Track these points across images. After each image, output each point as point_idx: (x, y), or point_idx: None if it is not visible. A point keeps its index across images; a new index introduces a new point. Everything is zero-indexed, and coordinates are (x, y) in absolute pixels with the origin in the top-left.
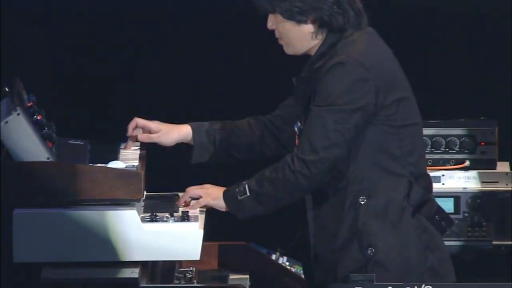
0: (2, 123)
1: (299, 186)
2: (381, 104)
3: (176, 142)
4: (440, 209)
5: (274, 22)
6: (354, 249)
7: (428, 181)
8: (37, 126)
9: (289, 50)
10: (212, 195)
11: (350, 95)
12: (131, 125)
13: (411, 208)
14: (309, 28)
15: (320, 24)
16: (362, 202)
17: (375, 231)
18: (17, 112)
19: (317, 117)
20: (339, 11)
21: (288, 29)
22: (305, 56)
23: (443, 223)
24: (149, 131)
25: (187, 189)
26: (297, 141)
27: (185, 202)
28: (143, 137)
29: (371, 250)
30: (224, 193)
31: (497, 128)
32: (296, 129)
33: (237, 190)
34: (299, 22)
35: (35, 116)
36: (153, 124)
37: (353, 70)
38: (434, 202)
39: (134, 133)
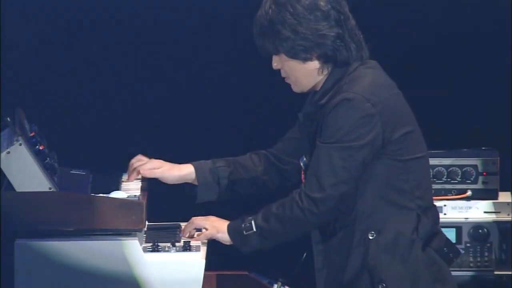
0: (4, 153)
1: (307, 223)
2: (388, 139)
3: (178, 181)
4: (448, 241)
5: (279, 62)
6: (364, 284)
7: (436, 213)
8: (39, 156)
9: (297, 88)
10: (218, 228)
11: (356, 132)
12: (134, 161)
13: (420, 241)
14: (314, 64)
15: (325, 59)
16: (371, 237)
17: (385, 265)
18: (19, 142)
19: (324, 154)
20: (342, 45)
21: (294, 68)
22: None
23: (451, 254)
24: (151, 168)
25: (192, 219)
26: (303, 176)
27: (189, 233)
28: (146, 171)
29: (382, 285)
30: (229, 227)
31: (498, 158)
32: (302, 164)
33: (243, 225)
34: (304, 59)
35: (37, 146)
36: (156, 163)
37: (359, 106)
38: (442, 234)
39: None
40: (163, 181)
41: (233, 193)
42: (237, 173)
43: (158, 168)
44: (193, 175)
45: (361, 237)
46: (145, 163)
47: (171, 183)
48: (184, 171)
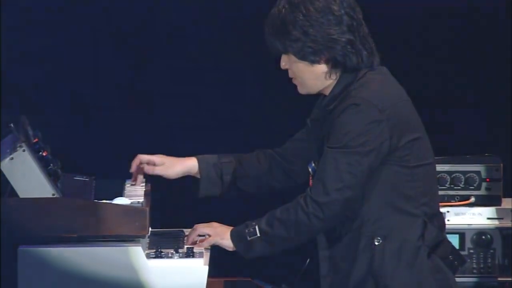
0: (7, 159)
1: (312, 227)
2: (394, 145)
3: (181, 174)
4: (453, 249)
5: (287, 62)
6: None
7: (442, 221)
8: (43, 162)
9: (303, 90)
10: (220, 234)
11: (363, 137)
12: (135, 162)
13: (426, 248)
14: (322, 68)
15: (334, 64)
16: (377, 243)
17: (390, 272)
18: (22, 148)
19: (331, 159)
20: (352, 51)
21: (301, 69)
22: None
23: (456, 262)
24: (153, 164)
25: (195, 226)
26: (311, 182)
27: (192, 240)
28: (148, 168)
29: None
30: (232, 233)
31: (502, 164)
32: (310, 169)
33: (246, 230)
34: (312, 62)
35: (41, 152)
36: (157, 158)
37: (367, 112)
38: (448, 242)
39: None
40: (166, 178)
41: (237, 190)
42: (241, 169)
43: (160, 165)
44: (196, 169)
45: (367, 243)
46: (146, 160)
47: (174, 178)
48: (186, 165)
